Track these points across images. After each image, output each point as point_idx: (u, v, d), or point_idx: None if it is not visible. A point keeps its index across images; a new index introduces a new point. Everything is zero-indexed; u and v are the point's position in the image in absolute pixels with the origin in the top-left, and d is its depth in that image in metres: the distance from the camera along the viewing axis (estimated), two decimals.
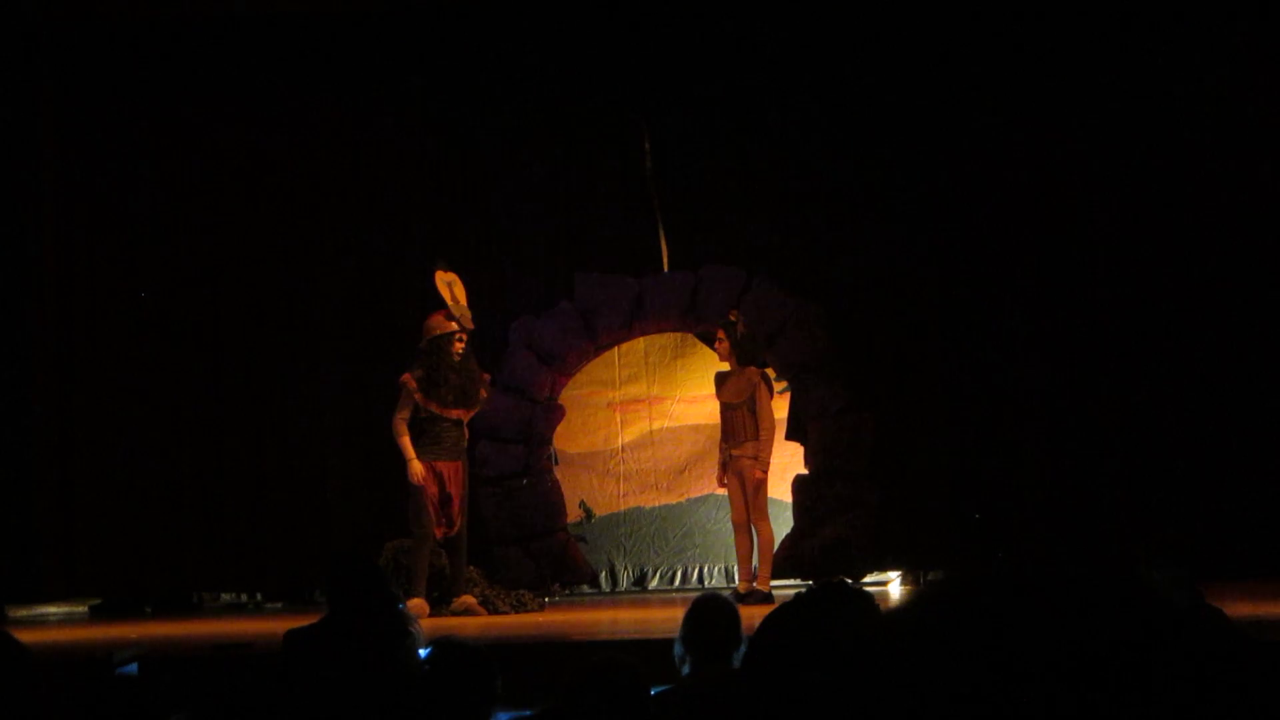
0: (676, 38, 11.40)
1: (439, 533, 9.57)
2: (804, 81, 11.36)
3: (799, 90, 11.36)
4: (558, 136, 11.53)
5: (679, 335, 11.54)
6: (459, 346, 9.62)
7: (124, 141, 11.63)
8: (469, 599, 9.59)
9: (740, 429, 10.01)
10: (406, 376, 9.63)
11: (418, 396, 9.53)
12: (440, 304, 9.68)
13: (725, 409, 10.12)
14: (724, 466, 10.11)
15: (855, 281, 11.27)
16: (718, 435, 11.48)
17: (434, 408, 9.56)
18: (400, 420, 9.56)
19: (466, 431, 9.81)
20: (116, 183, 11.64)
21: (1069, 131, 11.08)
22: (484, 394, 9.83)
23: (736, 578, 10.28)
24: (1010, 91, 11.17)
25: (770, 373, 11.28)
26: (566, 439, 11.69)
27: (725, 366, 10.27)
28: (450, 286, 9.77)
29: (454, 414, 9.63)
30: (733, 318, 10.13)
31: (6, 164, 11.55)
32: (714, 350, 10.29)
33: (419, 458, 9.52)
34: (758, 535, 10.03)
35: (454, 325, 9.61)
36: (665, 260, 11.44)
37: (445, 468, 9.60)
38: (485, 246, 11.56)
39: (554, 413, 11.44)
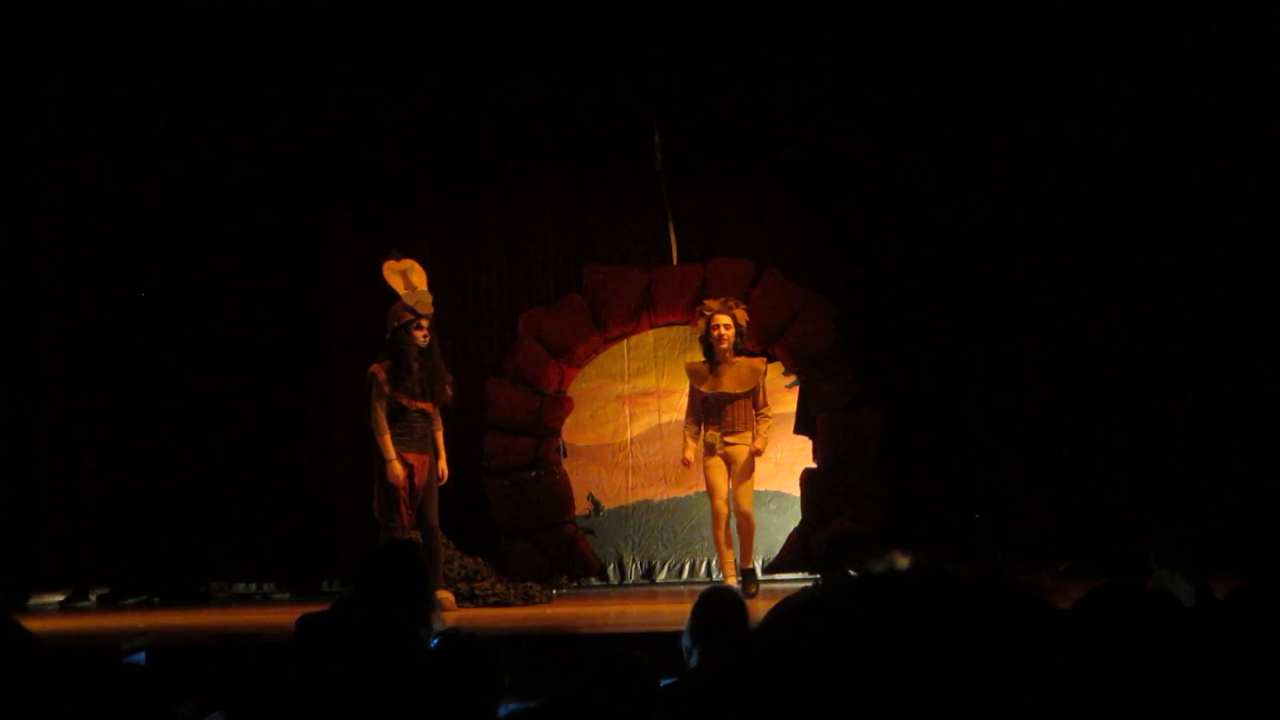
0: (687, 31, 11.38)
1: (405, 522, 9.49)
2: (815, 75, 11.33)
3: (810, 84, 11.33)
4: (568, 129, 11.51)
5: (688, 328, 11.52)
6: (419, 335, 9.48)
7: (134, 142, 11.60)
8: (444, 594, 9.50)
9: (740, 419, 9.86)
10: (375, 367, 9.51)
11: (385, 388, 9.44)
12: (395, 296, 9.62)
13: (720, 399, 9.87)
14: (710, 450, 9.90)
15: (864, 275, 11.24)
16: None
17: (402, 399, 9.44)
18: (380, 415, 9.43)
19: (439, 422, 9.64)
20: (127, 179, 11.61)
21: (1079, 129, 11.05)
22: (449, 390, 9.67)
23: (723, 573, 10.03)
24: (1020, 90, 11.13)
25: (778, 365, 11.29)
26: (575, 431, 11.69)
27: (697, 357, 10.14)
28: (406, 274, 9.64)
29: (420, 405, 9.51)
30: (733, 302, 10.05)
31: (16, 163, 11.56)
32: (711, 339, 9.97)
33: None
34: (741, 515, 9.76)
35: (409, 315, 9.54)
36: (675, 254, 11.43)
37: (415, 459, 9.47)
38: (495, 239, 11.56)
39: (562, 405, 11.44)
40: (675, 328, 11.59)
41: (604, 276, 11.32)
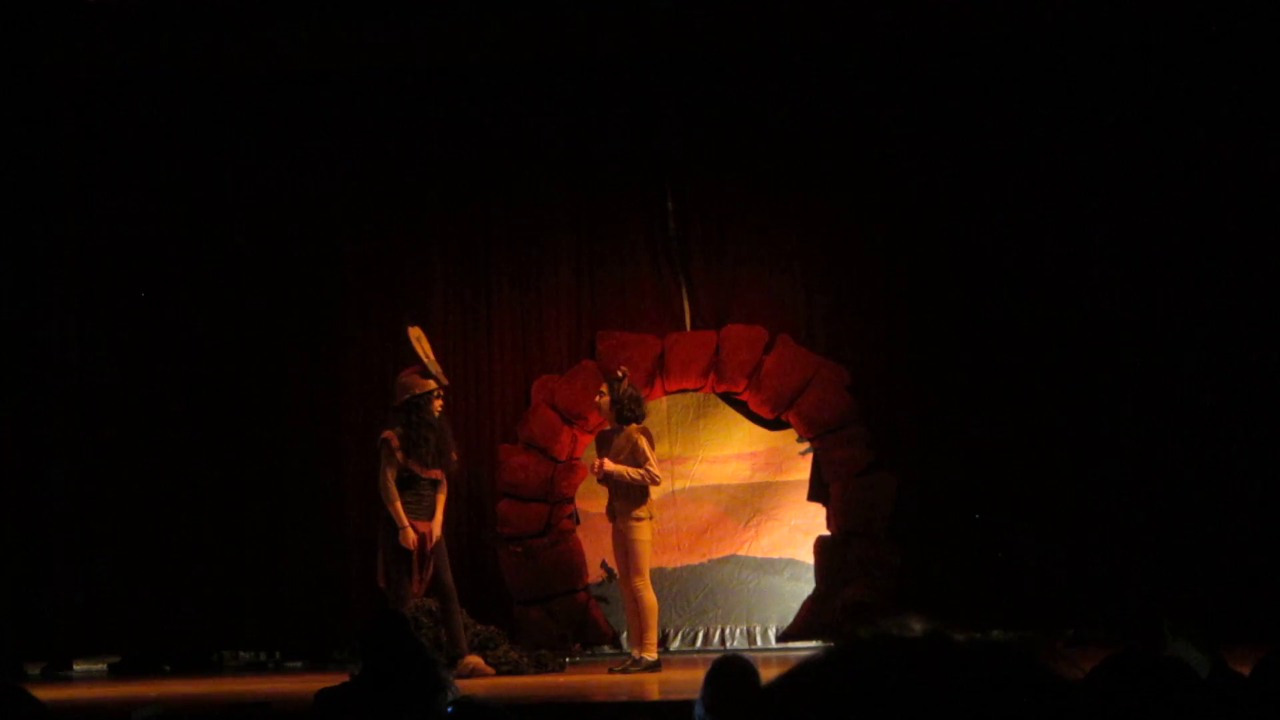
0: (700, 98, 11.45)
1: (416, 590, 9.45)
2: (829, 142, 11.38)
3: (822, 150, 11.37)
4: (581, 195, 11.56)
5: (701, 395, 11.52)
6: (438, 405, 9.49)
7: (143, 213, 11.66)
8: (475, 659, 9.45)
9: (625, 490, 9.57)
10: (389, 434, 9.46)
11: (399, 454, 9.42)
12: (413, 359, 9.61)
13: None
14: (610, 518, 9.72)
15: (877, 342, 11.25)
16: (740, 496, 11.44)
17: (415, 467, 9.41)
18: (390, 482, 9.37)
19: (444, 489, 9.62)
20: (136, 251, 11.63)
21: (1098, 197, 11.07)
22: (455, 455, 9.68)
23: (627, 644, 9.87)
24: (1036, 156, 11.17)
25: (791, 433, 11.27)
26: (589, 498, 11.65)
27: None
28: (419, 341, 9.68)
29: (432, 474, 9.50)
30: (620, 373, 9.83)
31: (28, 215, 11.61)
32: (596, 404, 9.96)
33: None
34: (639, 599, 9.52)
35: (431, 384, 9.51)
36: (688, 320, 11.46)
37: (424, 528, 9.44)
38: (507, 305, 11.58)
39: (575, 472, 11.42)
40: (689, 394, 11.58)
41: (617, 343, 11.33)
